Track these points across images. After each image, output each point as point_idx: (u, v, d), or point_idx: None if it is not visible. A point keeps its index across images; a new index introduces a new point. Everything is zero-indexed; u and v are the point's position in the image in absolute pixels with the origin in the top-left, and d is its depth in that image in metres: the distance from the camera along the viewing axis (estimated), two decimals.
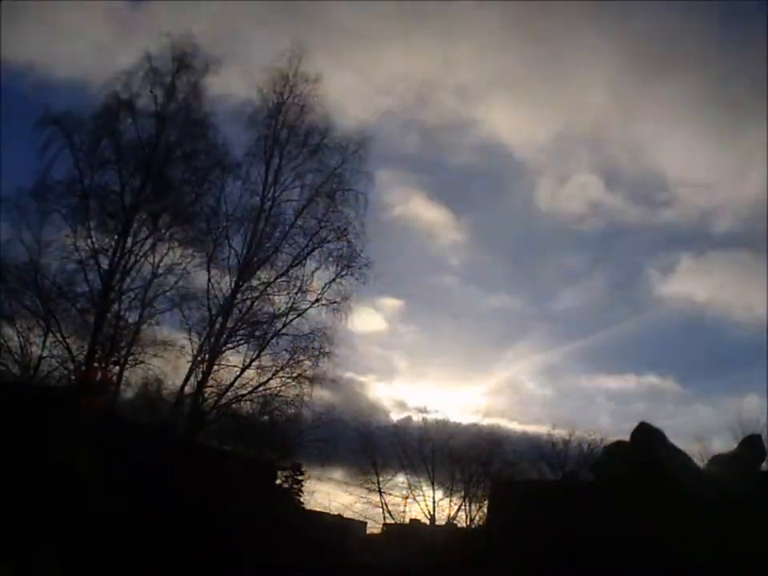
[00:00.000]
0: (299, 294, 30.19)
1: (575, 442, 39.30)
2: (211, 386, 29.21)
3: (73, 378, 27.62)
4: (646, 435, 29.93)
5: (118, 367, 28.21)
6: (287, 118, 31.35)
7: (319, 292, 30.21)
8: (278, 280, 30.23)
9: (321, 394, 30.10)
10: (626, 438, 31.18)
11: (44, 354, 28.15)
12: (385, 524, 39.76)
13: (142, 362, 28.63)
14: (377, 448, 38.49)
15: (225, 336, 29.50)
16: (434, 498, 38.77)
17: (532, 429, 44.05)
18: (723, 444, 32.63)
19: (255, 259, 30.20)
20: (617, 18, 65.79)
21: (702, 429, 58.40)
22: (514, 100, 71.93)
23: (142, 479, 23.24)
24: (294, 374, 29.71)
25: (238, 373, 29.36)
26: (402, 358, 64.34)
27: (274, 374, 29.68)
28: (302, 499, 36.82)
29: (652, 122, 70.51)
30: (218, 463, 27.43)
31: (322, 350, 29.77)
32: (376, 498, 38.73)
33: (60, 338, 27.89)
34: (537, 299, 73.80)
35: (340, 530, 38.75)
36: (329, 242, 30.36)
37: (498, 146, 71.18)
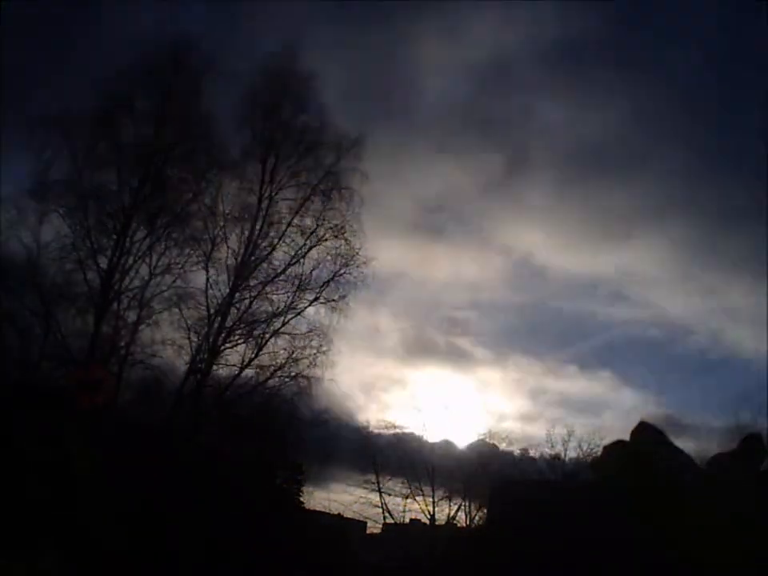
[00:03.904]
0: (297, 293, 30.22)
1: (575, 442, 39.28)
2: (210, 386, 29.21)
3: (73, 378, 27.55)
4: (646, 435, 30.02)
5: (118, 367, 28.15)
6: (282, 117, 31.39)
7: (317, 291, 30.23)
8: (276, 279, 30.24)
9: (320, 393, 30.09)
10: (626, 437, 31.27)
11: (44, 354, 28.06)
12: (385, 524, 39.75)
13: (141, 361, 28.58)
14: (376, 448, 38.51)
15: (223, 335, 29.45)
16: (433, 498, 38.77)
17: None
18: (723, 443, 32.63)
19: (253, 258, 30.17)
20: None
21: None
22: None
23: (142, 479, 23.22)
24: (293, 374, 29.72)
25: (236, 372, 29.37)
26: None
27: (272, 374, 29.66)
28: (301, 499, 36.75)
29: None
30: (218, 463, 27.41)
31: (320, 349, 29.80)
32: (376, 497, 38.75)
33: (60, 338, 27.84)
34: None
35: (340, 530, 38.75)
36: (326, 240, 30.40)
37: None
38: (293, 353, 29.86)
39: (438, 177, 61.29)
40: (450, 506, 38.96)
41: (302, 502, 36.53)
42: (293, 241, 30.33)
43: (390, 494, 38.58)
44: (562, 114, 67.91)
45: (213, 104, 30.81)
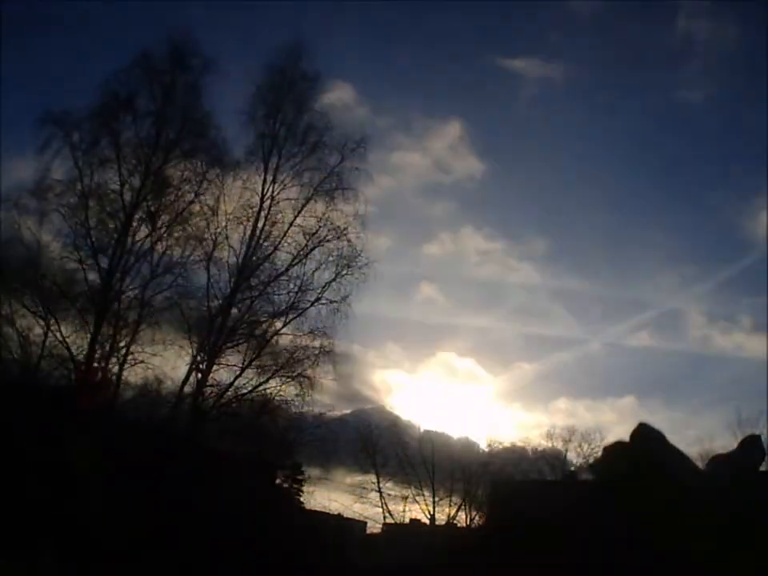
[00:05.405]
0: (299, 293, 30.10)
1: (575, 442, 39.31)
2: (211, 386, 29.12)
3: (73, 377, 27.55)
4: (646, 436, 29.89)
5: (118, 367, 28.13)
6: (286, 116, 31.28)
7: (319, 291, 30.13)
8: (278, 279, 30.18)
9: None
10: (626, 438, 31.17)
11: (44, 354, 28.04)
12: (385, 524, 39.78)
13: (141, 361, 28.51)
14: (377, 448, 38.54)
15: (224, 335, 29.38)
16: (433, 498, 38.79)
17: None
18: (723, 444, 32.61)
19: (254, 258, 30.09)
20: None
21: None
22: None
23: (142, 479, 23.21)
24: (294, 374, 29.64)
25: (237, 372, 29.26)
26: None
27: (273, 374, 29.52)
28: (301, 499, 36.74)
29: None
30: (218, 463, 27.39)
31: (322, 349, 29.73)
32: (376, 497, 38.78)
33: (60, 338, 27.79)
34: None
35: (340, 529, 38.74)
36: (328, 240, 30.23)
37: None
38: (294, 353, 29.84)
39: None
40: (450, 505, 39.04)
41: (302, 502, 36.55)
42: (295, 241, 30.25)
43: (390, 494, 38.64)
44: None
45: (214, 103, 30.89)
